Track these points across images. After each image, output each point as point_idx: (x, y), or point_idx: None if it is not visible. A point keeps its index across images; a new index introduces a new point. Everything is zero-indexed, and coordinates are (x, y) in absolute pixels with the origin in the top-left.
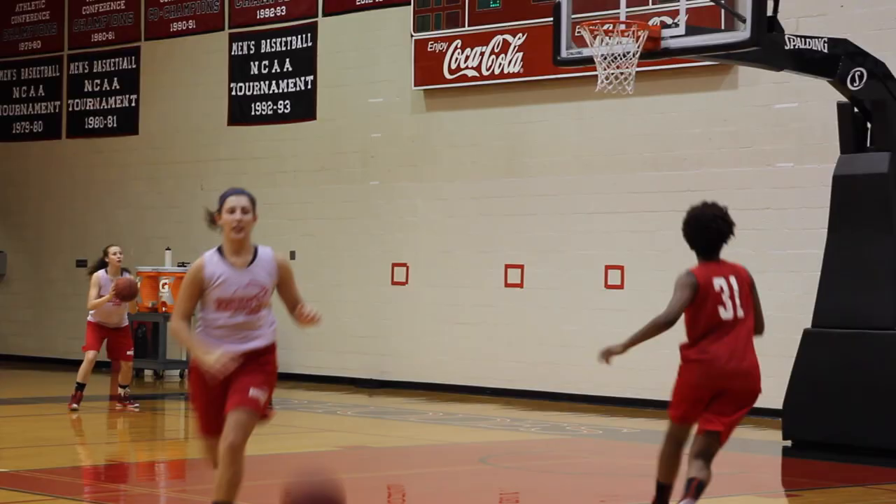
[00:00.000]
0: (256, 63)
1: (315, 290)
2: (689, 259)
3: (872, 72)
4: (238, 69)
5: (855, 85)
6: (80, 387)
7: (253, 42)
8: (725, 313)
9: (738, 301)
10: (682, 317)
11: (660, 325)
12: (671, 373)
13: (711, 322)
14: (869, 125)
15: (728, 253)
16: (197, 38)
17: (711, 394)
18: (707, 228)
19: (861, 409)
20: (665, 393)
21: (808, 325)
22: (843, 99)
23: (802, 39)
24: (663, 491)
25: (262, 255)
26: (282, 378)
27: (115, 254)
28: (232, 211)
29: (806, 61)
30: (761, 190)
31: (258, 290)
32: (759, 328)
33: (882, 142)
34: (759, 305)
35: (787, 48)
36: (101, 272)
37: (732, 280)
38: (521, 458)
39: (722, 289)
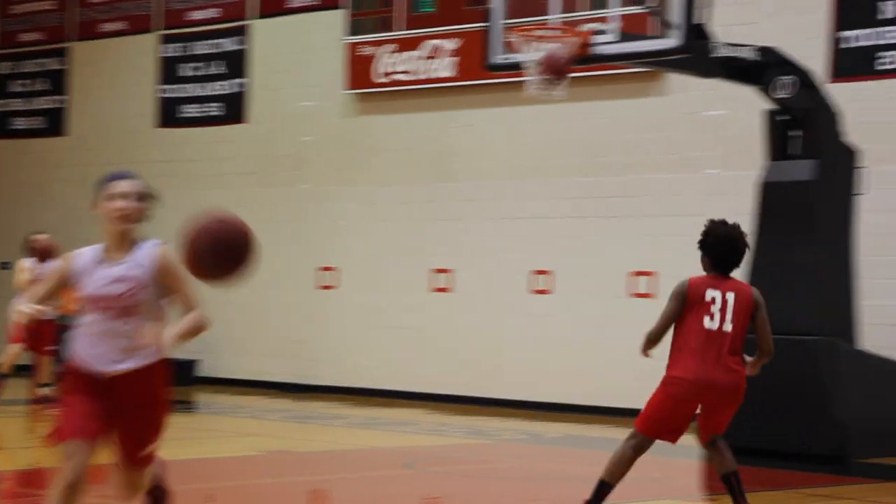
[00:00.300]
0: (186, 65)
1: (243, 293)
2: (619, 264)
3: (799, 80)
4: (169, 71)
5: (782, 93)
6: (2, 377)
7: (183, 44)
8: (710, 323)
9: (728, 315)
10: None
11: (650, 340)
12: (596, 378)
13: (694, 329)
14: (795, 133)
15: (656, 258)
16: (127, 39)
17: (688, 411)
18: (737, 249)
19: (782, 414)
20: (590, 398)
21: None
22: (771, 106)
23: (731, 47)
24: (604, 488)
25: (142, 248)
26: (206, 382)
27: (37, 239)
28: (115, 197)
29: (734, 69)
30: (690, 196)
31: (127, 287)
32: (766, 349)
33: (808, 149)
34: (766, 327)
35: (716, 56)
36: (27, 259)
37: (729, 295)
38: (445, 462)
39: (714, 300)
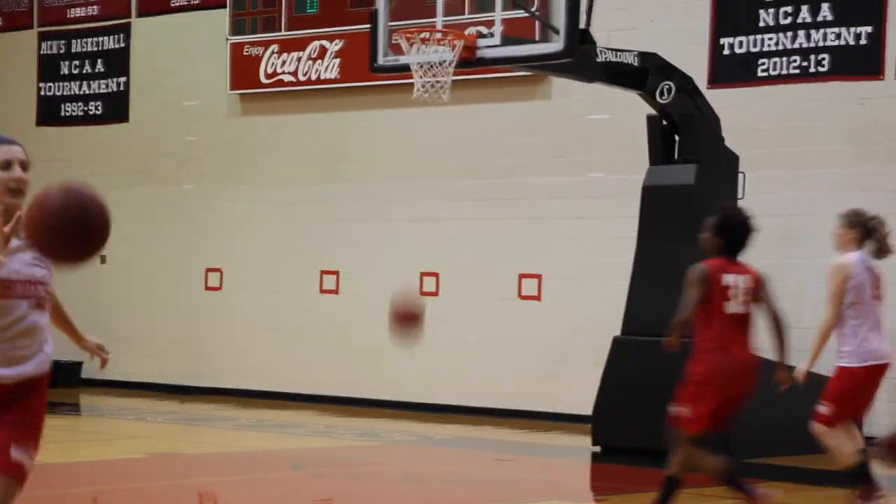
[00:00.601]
0: (67, 63)
1: (127, 294)
2: (506, 266)
3: (680, 86)
4: (48, 69)
5: (663, 98)
6: None
7: (64, 41)
8: (733, 308)
9: (743, 298)
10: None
11: (680, 324)
12: (484, 380)
13: (718, 315)
14: (677, 138)
15: (542, 261)
16: (6, 36)
17: (725, 398)
18: (750, 235)
19: (667, 414)
20: (479, 400)
21: (619, 332)
22: (653, 111)
23: (614, 52)
24: (734, 474)
25: None
26: (91, 384)
27: None
28: (7, 166)
29: (617, 74)
30: (574, 199)
31: (45, 270)
32: (781, 323)
33: (689, 154)
34: (775, 302)
35: (598, 60)
36: None
37: (743, 279)
38: (333, 464)
39: (732, 285)
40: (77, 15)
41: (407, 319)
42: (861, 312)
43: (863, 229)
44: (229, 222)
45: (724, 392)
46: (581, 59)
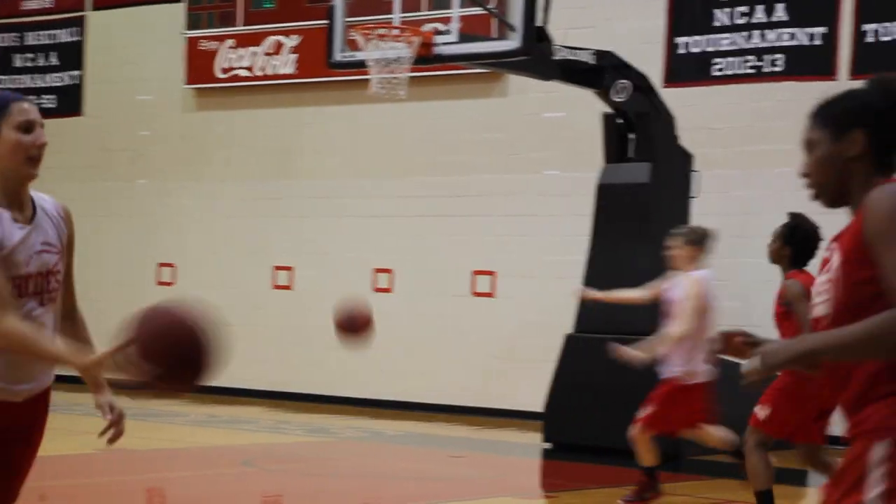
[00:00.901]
0: (20, 55)
1: (78, 289)
2: (461, 263)
3: (636, 84)
4: (2, 61)
5: (619, 96)
6: None
7: (17, 34)
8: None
9: None
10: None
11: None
12: (437, 376)
13: (811, 325)
14: (632, 136)
15: (496, 258)
16: None
17: (818, 408)
18: (819, 242)
19: (618, 412)
20: (431, 396)
21: (571, 330)
22: (608, 110)
23: (570, 50)
24: (767, 497)
25: (43, 204)
26: None
27: None
28: (29, 128)
29: (573, 72)
30: (529, 196)
31: (55, 256)
32: None
33: (644, 152)
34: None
35: (555, 58)
36: None
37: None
38: (284, 460)
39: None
40: (31, 7)
41: (356, 327)
42: (703, 327)
43: (703, 246)
44: (183, 217)
45: (815, 398)
46: (537, 56)
